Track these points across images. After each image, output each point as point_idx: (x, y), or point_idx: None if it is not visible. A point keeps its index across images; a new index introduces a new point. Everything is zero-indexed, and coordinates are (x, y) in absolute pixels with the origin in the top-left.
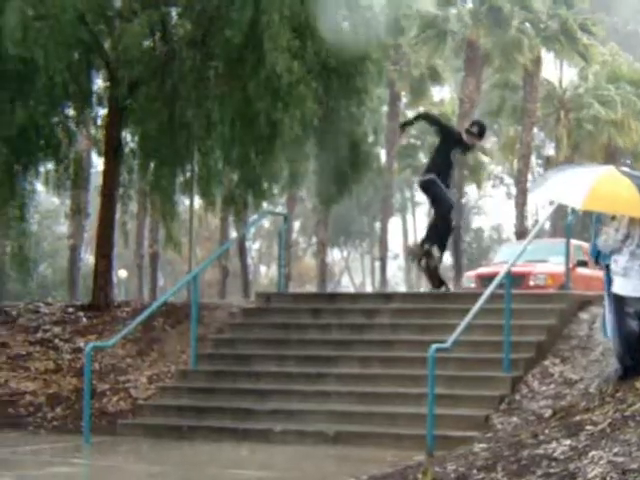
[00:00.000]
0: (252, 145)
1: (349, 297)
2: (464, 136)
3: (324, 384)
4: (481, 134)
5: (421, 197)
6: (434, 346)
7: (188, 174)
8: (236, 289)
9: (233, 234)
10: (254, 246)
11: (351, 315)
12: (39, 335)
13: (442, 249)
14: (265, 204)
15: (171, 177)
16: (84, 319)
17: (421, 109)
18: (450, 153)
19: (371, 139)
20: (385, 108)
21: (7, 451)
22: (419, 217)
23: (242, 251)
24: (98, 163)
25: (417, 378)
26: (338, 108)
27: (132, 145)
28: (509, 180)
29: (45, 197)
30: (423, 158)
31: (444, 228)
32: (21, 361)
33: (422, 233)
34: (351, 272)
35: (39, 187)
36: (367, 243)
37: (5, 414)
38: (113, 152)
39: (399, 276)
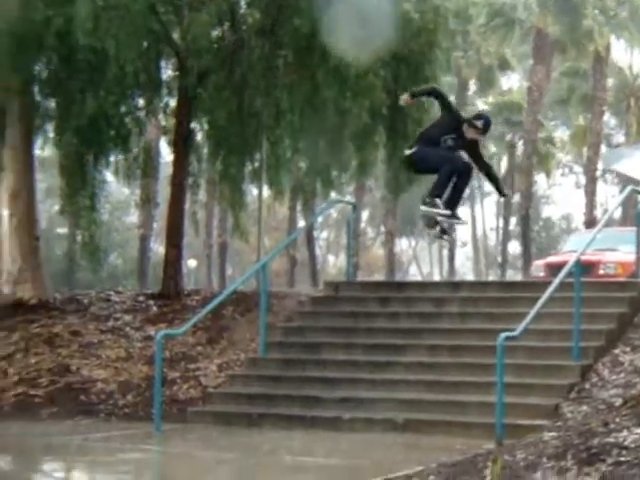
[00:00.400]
0: (321, 134)
1: (417, 285)
2: (464, 128)
3: (392, 372)
4: (486, 129)
5: (490, 187)
6: (503, 334)
7: (257, 163)
8: (304, 279)
9: (301, 224)
10: (322, 235)
11: (419, 303)
12: (110, 323)
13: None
14: (333, 193)
15: (240, 166)
16: (154, 308)
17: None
18: (441, 137)
19: None
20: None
21: (79, 438)
22: (487, 206)
23: (310, 240)
24: (167, 153)
25: (486, 367)
26: None
27: (201, 134)
28: (578, 169)
29: (116, 188)
30: (492, 148)
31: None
32: (93, 349)
33: (491, 222)
34: (419, 262)
35: (109, 177)
36: None
37: (77, 401)
38: (183, 141)
39: (467, 265)
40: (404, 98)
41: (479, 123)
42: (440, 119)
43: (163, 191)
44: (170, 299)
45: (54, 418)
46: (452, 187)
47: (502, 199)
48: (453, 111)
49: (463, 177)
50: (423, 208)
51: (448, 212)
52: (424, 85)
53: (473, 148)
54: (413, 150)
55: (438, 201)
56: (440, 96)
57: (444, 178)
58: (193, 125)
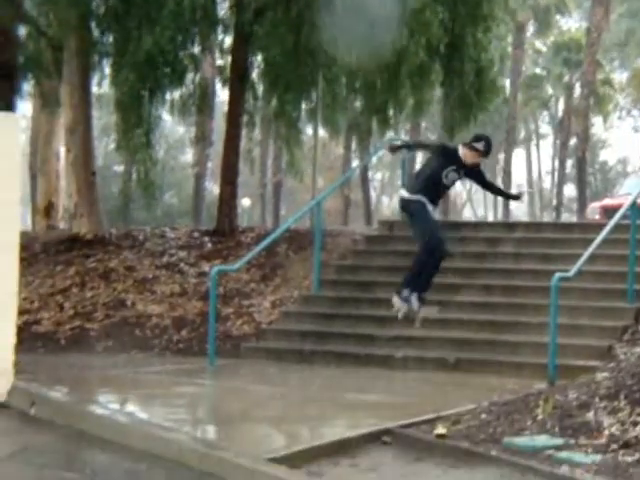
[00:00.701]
0: (377, 72)
1: (472, 226)
2: (462, 152)
3: (445, 311)
4: (487, 151)
5: (546, 129)
6: (557, 275)
7: (313, 101)
8: (358, 219)
9: (356, 164)
10: (377, 177)
11: (474, 243)
12: (165, 259)
13: (422, 290)
14: (389, 133)
15: (295, 104)
16: (209, 244)
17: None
18: (442, 173)
19: (497, 67)
20: (510, 38)
21: (134, 371)
22: (544, 149)
23: (365, 180)
24: (222, 92)
25: (539, 307)
26: (464, 34)
27: (257, 72)
28: (636, 112)
29: (171, 127)
30: (549, 90)
31: (428, 266)
32: (148, 284)
33: (546, 165)
34: (473, 204)
35: (165, 116)
36: (491, 175)
37: (132, 336)
38: (238, 79)
39: (521, 209)
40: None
41: (480, 145)
42: (432, 159)
43: (218, 130)
44: (224, 236)
45: (109, 352)
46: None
47: (558, 142)
48: (441, 148)
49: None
50: (394, 300)
51: (417, 309)
52: (401, 141)
53: (476, 173)
54: (415, 197)
55: (413, 297)
56: (419, 146)
57: (416, 269)
58: (249, 62)
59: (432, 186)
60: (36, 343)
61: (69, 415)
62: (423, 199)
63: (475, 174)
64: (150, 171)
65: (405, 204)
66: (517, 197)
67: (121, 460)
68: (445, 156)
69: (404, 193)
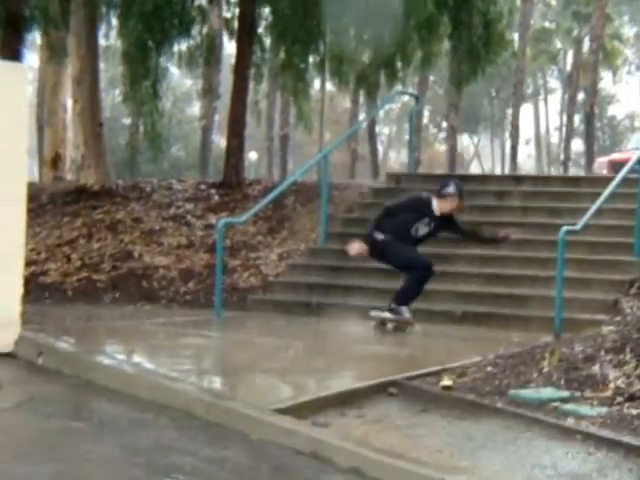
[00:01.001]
0: (385, 24)
1: (479, 179)
2: (435, 205)
3: (452, 265)
4: (461, 193)
5: (554, 83)
6: (564, 228)
7: (320, 53)
8: (365, 173)
9: (363, 118)
10: (384, 131)
11: (481, 197)
12: (172, 211)
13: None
14: (397, 86)
15: (303, 56)
16: (216, 196)
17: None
18: (412, 228)
19: (505, 20)
20: None
21: (141, 323)
22: (552, 104)
23: (372, 134)
24: (228, 45)
25: (546, 261)
26: None
27: (264, 24)
28: None
29: (178, 79)
30: (558, 44)
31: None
32: (155, 236)
33: (554, 121)
34: (481, 159)
35: (173, 69)
36: (498, 130)
37: (139, 287)
38: (246, 31)
39: (529, 163)
40: (356, 249)
41: (450, 189)
42: (406, 208)
43: (225, 83)
44: (231, 188)
45: (116, 303)
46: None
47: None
48: (412, 202)
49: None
50: (387, 315)
51: (411, 320)
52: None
53: (452, 226)
54: (382, 238)
55: (404, 308)
56: (393, 209)
57: (417, 286)
58: (256, 14)
59: (401, 235)
60: (43, 294)
61: (76, 365)
62: (390, 237)
63: (451, 226)
64: (157, 123)
65: (373, 244)
66: (506, 238)
67: (128, 410)
68: (417, 210)
69: (373, 233)
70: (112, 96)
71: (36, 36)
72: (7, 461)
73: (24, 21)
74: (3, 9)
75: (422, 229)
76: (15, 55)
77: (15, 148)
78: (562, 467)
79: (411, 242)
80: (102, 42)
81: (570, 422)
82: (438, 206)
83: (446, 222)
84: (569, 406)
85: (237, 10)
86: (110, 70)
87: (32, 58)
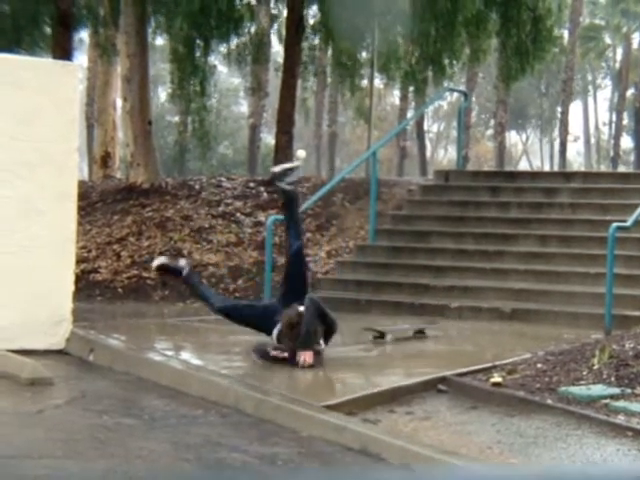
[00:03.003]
0: (433, 21)
1: (529, 175)
2: None
3: (501, 262)
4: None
5: (604, 81)
6: (614, 225)
7: (368, 51)
8: (413, 171)
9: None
10: (432, 128)
11: (531, 193)
12: (221, 209)
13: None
14: (445, 83)
15: (351, 54)
16: (265, 194)
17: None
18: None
19: (554, 16)
20: None
21: (190, 320)
22: (600, 101)
23: (420, 131)
24: (276, 43)
25: (596, 257)
26: None
27: (313, 21)
28: None
29: (225, 77)
30: (607, 39)
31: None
32: (204, 234)
33: (603, 116)
34: (529, 156)
35: (220, 67)
36: (547, 127)
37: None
38: (295, 28)
39: (579, 161)
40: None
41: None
42: None
43: (273, 81)
44: None
45: (166, 300)
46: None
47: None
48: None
49: None
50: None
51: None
52: None
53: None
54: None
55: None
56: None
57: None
58: (305, 12)
59: None
60: (94, 291)
61: (127, 362)
62: None
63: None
64: (205, 121)
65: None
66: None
67: (178, 406)
68: None
69: None
70: (156, 94)
71: (85, 35)
72: (60, 457)
73: (74, 20)
74: (54, 9)
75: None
76: (66, 54)
77: (67, 146)
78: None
79: None
80: (150, 40)
81: (621, 419)
82: None
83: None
84: (620, 403)
85: (285, 8)
86: (158, 68)
87: (81, 57)
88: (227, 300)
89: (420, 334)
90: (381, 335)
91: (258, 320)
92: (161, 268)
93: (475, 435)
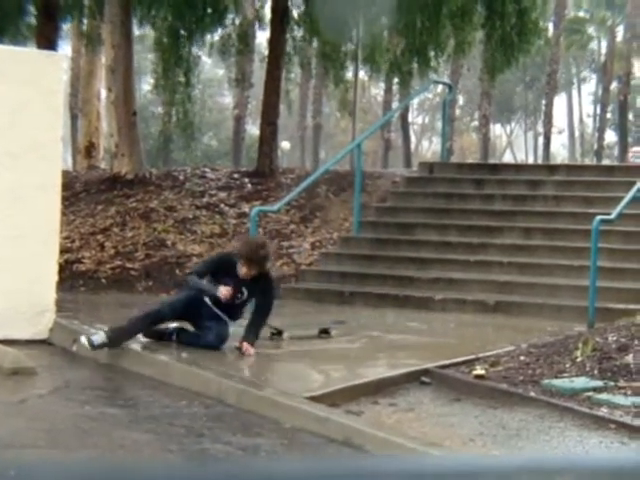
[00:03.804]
0: (418, 13)
1: (513, 168)
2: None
3: (485, 254)
4: (250, 260)
5: (588, 74)
6: (598, 218)
7: (353, 42)
8: (397, 163)
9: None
10: (417, 120)
11: (514, 186)
12: (205, 200)
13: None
14: (430, 75)
15: (336, 45)
16: (249, 185)
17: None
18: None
19: (539, 9)
20: None
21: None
22: (585, 94)
23: (405, 123)
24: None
25: (580, 250)
26: None
27: (297, 12)
28: None
29: (209, 69)
30: (593, 32)
31: None
32: (188, 224)
33: (587, 109)
34: (514, 148)
35: (204, 58)
36: (531, 119)
37: (172, 275)
38: (279, 20)
39: (563, 154)
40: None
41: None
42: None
43: (257, 73)
44: (265, 177)
45: (149, 291)
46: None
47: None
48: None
49: None
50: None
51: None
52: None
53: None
54: None
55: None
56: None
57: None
58: (289, 3)
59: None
60: (77, 282)
61: (110, 353)
62: None
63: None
64: (189, 111)
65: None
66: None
67: (161, 397)
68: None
69: None
70: (140, 85)
71: (69, 26)
72: (43, 447)
73: (59, 10)
74: None
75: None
76: (50, 44)
77: (51, 136)
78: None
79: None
80: (135, 30)
81: (604, 412)
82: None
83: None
84: (603, 396)
85: None
86: (141, 58)
87: (65, 47)
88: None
89: (325, 334)
90: (278, 333)
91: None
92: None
93: (458, 427)
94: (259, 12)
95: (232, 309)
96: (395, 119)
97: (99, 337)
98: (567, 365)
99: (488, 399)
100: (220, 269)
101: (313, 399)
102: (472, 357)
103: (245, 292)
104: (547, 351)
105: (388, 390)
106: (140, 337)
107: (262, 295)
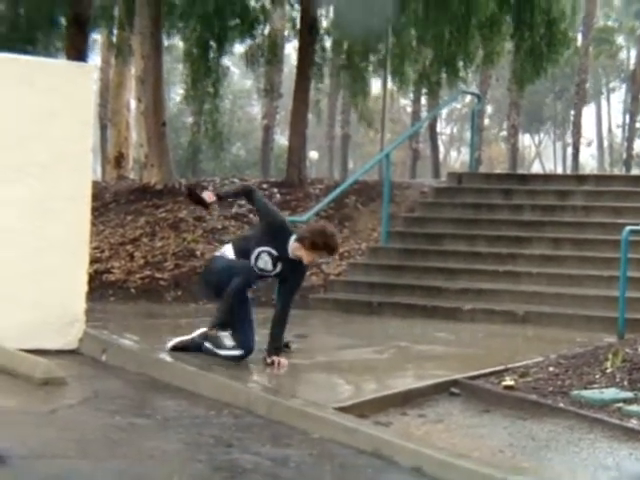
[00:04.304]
0: (446, 23)
1: (541, 178)
2: (291, 243)
3: (514, 264)
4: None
5: (618, 83)
6: (628, 228)
7: (381, 53)
8: (425, 173)
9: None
10: (445, 130)
11: (543, 196)
12: (234, 210)
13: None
14: (459, 86)
15: (364, 55)
16: (278, 195)
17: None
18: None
19: (568, 19)
20: None
21: (203, 320)
22: (614, 104)
23: (433, 133)
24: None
25: (609, 260)
26: None
27: (326, 23)
28: None
29: (239, 79)
30: (622, 41)
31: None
32: (217, 235)
33: (616, 119)
34: (542, 159)
35: (234, 69)
36: (560, 130)
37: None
38: (308, 30)
39: (592, 164)
40: (208, 194)
41: (306, 241)
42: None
43: (286, 83)
44: (293, 187)
45: (178, 301)
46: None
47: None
48: (271, 213)
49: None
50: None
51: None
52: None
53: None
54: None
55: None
56: (252, 198)
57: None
58: (318, 14)
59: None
60: (107, 292)
61: (140, 362)
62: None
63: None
64: (217, 121)
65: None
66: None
67: (191, 407)
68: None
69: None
70: (173, 95)
71: (99, 36)
72: (73, 457)
73: (89, 21)
74: (69, 10)
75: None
76: (80, 55)
77: (81, 147)
78: (626, 469)
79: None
80: (164, 41)
81: (634, 423)
82: (291, 245)
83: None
84: (632, 407)
85: (299, 10)
86: (172, 69)
87: (95, 58)
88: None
89: (285, 348)
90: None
91: None
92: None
93: (487, 438)
94: (288, 23)
95: (264, 278)
96: (424, 129)
97: (227, 338)
98: (597, 376)
99: (517, 410)
100: (274, 231)
101: (342, 410)
102: (501, 368)
103: (279, 267)
104: (576, 362)
105: (417, 401)
106: (167, 346)
107: (293, 274)
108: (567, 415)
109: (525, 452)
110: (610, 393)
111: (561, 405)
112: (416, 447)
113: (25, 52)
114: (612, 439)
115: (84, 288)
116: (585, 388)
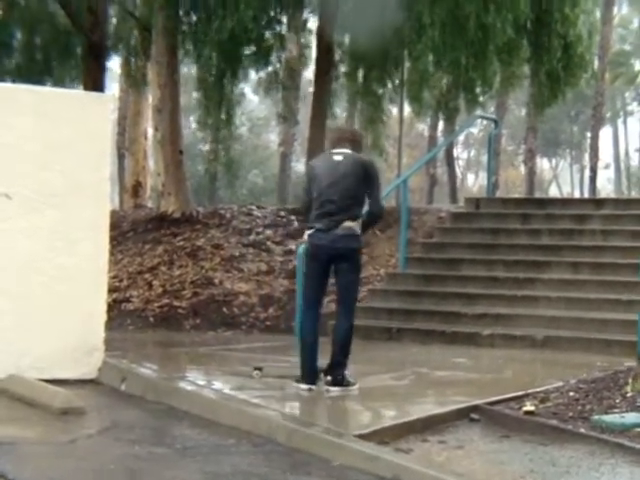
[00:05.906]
0: (463, 49)
1: (559, 202)
2: None
3: (533, 289)
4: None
5: (634, 107)
6: None
7: (397, 79)
8: (443, 197)
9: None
10: (462, 155)
11: (561, 220)
12: (252, 237)
13: None
14: (476, 111)
15: (381, 82)
16: (295, 223)
17: None
18: None
19: (585, 43)
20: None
21: (222, 349)
22: (631, 127)
23: (450, 158)
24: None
25: (628, 284)
26: (551, 10)
27: (343, 50)
28: None
29: (256, 106)
30: (637, 65)
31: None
32: (235, 262)
33: (634, 142)
34: (559, 182)
35: (251, 96)
36: (577, 153)
37: (219, 314)
38: (324, 57)
39: (609, 188)
40: None
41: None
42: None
43: (303, 109)
44: None
45: (197, 329)
46: None
47: None
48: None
49: None
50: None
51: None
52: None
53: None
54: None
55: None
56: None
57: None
58: (334, 41)
59: None
60: (125, 320)
61: (159, 391)
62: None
63: None
64: (232, 149)
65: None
66: None
67: (210, 436)
68: None
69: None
70: (187, 123)
71: (116, 65)
72: None
73: (105, 51)
74: (85, 40)
75: None
76: (97, 84)
77: (99, 176)
78: None
79: None
80: (181, 69)
81: None
82: None
83: None
84: None
85: (315, 37)
86: (190, 97)
87: (113, 86)
88: None
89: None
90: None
91: None
92: None
93: (508, 464)
94: (304, 50)
95: None
96: (441, 154)
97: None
98: (617, 400)
99: (538, 435)
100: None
101: (362, 437)
102: (521, 393)
103: None
104: (597, 386)
105: (437, 427)
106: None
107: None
108: (588, 440)
109: (546, 478)
110: (631, 417)
111: (582, 430)
112: (437, 474)
113: (41, 82)
114: (633, 464)
115: (103, 317)
116: (606, 413)
